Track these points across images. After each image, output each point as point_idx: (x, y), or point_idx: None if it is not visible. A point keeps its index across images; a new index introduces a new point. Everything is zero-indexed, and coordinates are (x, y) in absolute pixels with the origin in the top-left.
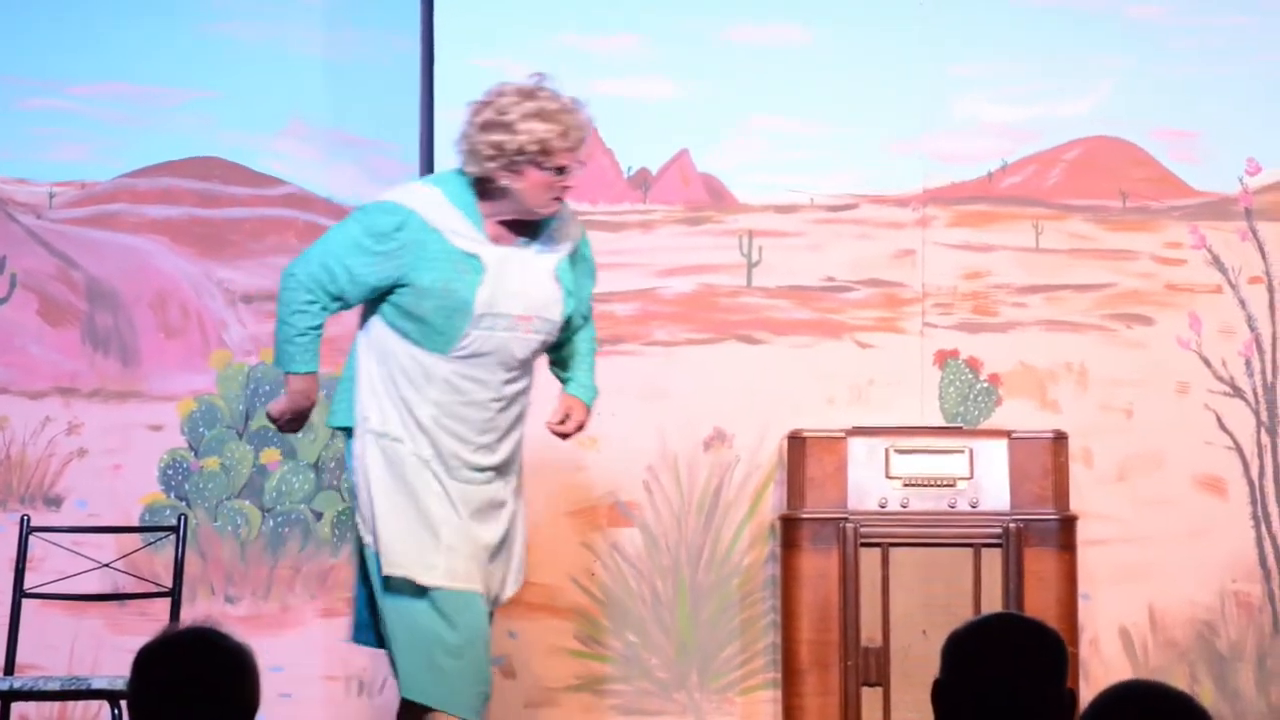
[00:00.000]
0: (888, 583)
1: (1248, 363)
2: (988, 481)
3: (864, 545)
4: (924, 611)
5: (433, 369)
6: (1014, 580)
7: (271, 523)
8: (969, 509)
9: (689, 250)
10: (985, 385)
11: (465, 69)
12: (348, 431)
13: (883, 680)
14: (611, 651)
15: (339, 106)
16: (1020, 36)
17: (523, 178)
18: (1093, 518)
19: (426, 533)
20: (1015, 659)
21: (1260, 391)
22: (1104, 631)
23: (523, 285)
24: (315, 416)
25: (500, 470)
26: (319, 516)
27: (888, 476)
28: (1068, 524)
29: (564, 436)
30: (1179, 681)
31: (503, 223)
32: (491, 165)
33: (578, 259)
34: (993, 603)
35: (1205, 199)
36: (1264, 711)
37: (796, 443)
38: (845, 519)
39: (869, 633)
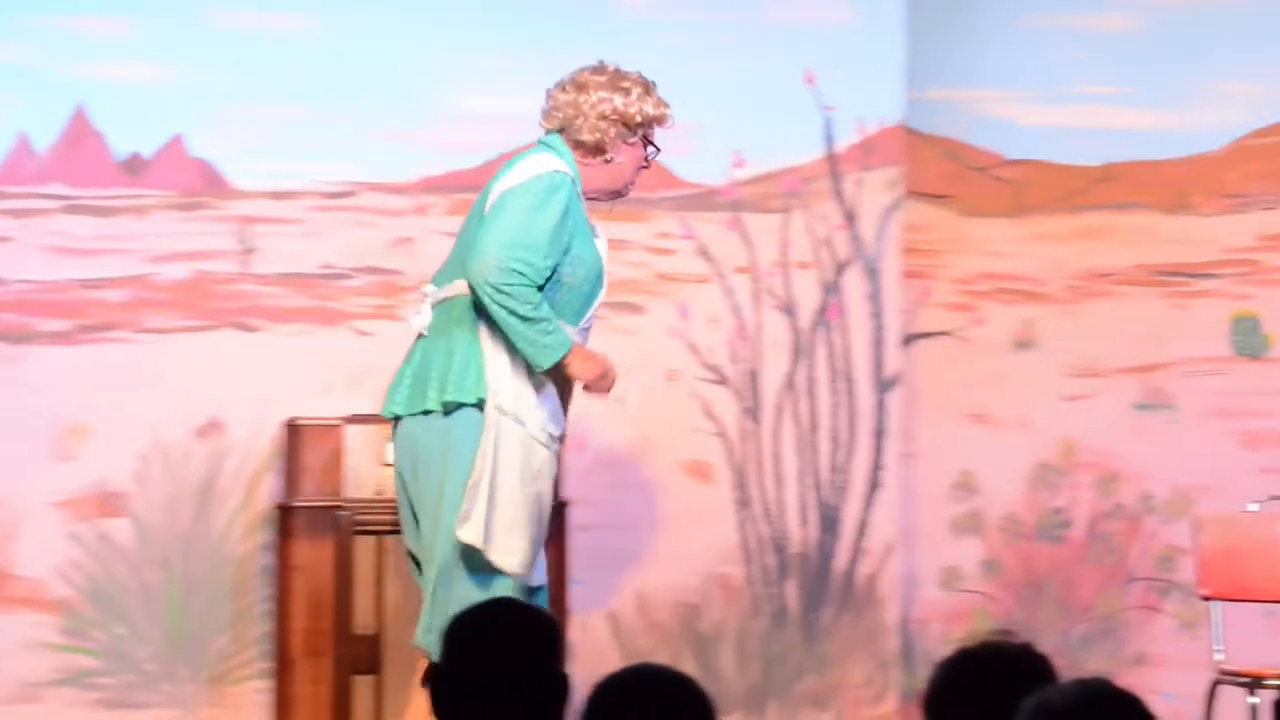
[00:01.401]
0: (382, 571)
1: (733, 350)
2: None
3: (358, 533)
4: (419, 600)
5: None
6: None
7: None
8: None
9: (183, 236)
10: None
11: None
12: (444, 408)
13: (376, 669)
14: (98, 645)
15: None
16: (517, 29)
17: (628, 151)
18: (584, 504)
19: (535, 526)
20: (511, 643)
21: (745, 378)
22: (593, 615)
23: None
24: None
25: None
26: None
27: (383, 464)
28: (559, 510)
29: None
30: (663, 662)
31: None
32: (613, 133)
33: None
34: None
35: (694, 190)
36: (743, 690)
37: (293, 431)
38: (340, 507)
39: (364, 621)
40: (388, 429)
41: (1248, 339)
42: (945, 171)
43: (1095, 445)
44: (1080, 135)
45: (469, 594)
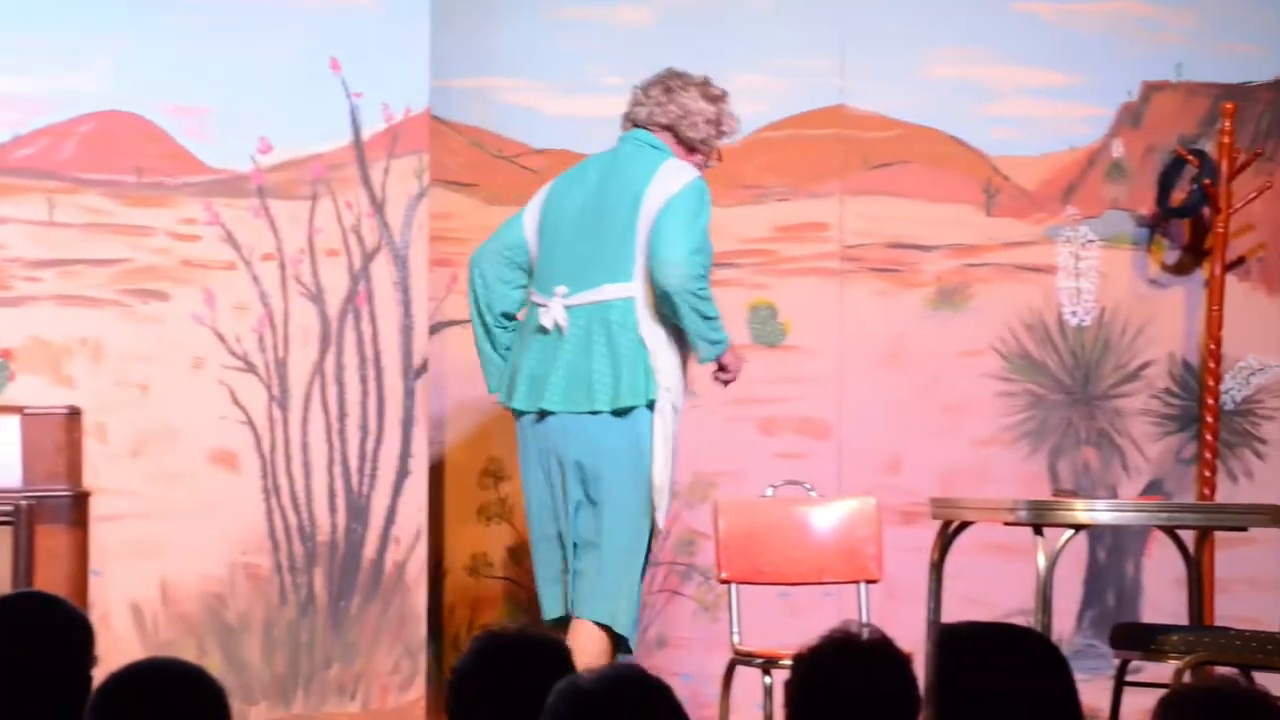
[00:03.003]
0: None
1: (261, 338)
2: None
3: None
4: None
5: None
6: (25, 558)
7: None
8: None
9: None
10: None
11: None
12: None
13: None
14: None
15: None
16: (24, 8)
17: (694, 156)
18: (107, 493)
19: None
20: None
21: (273, 367)
22: (115, 606)
23: None
24: None
25: None
26: None
27: None
28: (80, 500)
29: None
30: (188, 654)
31: None
32: (712, 135)
33: None
34: (3, 582)
35: (219, 176)
36: (269, 679)
37: None
38: None
39: None
40: None
41: (765, 327)
42: (471, 160)
43: None
44: (604, 125)
45: (638, 572)
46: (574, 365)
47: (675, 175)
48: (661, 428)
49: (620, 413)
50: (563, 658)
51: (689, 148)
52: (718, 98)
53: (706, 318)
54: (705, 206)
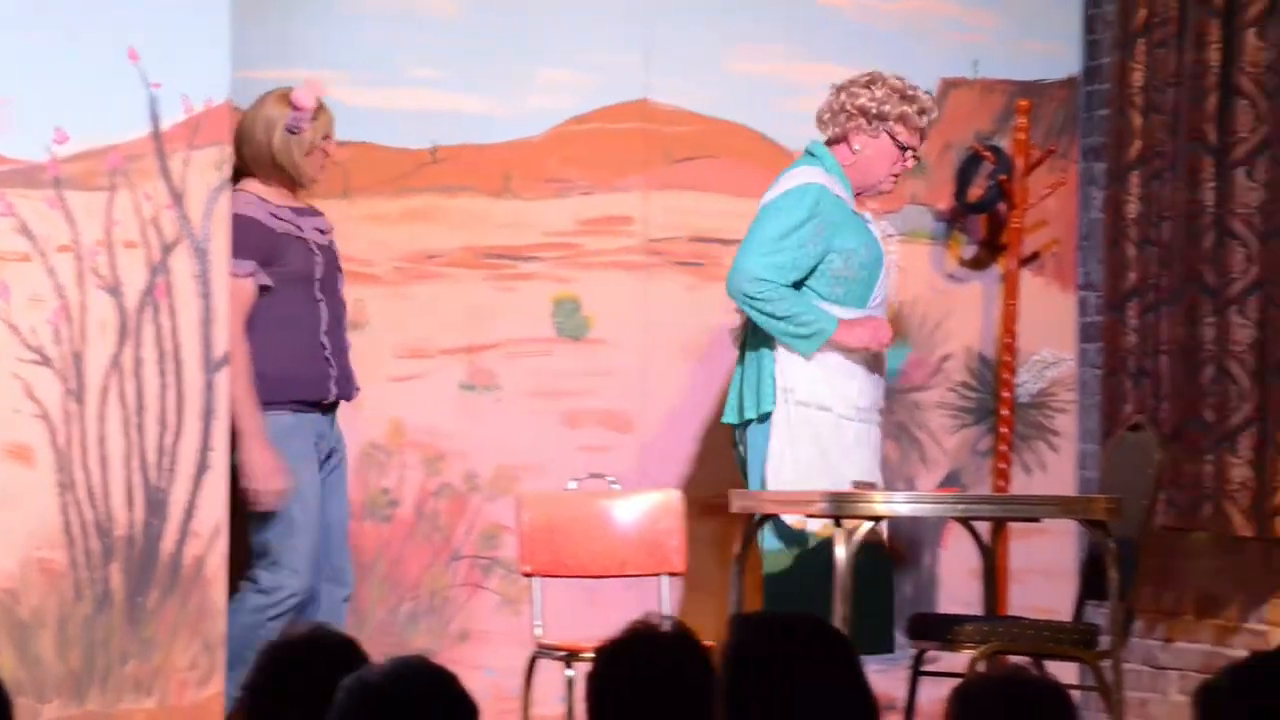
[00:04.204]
0: None
1: (56, 331)
2: None
3: None
4: None
5: None
6: None
7: None
8: None
9: None
10: None
11: None
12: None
13: None
14: None
15: None
16: None
17: (873, 145)
18: None
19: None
20: None
21: (69, 360)
22: None
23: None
24: None
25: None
26: None
27: None
28: None
29: None
30: None
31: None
32: (851, 125)
33: None
34: None
35: (14, 166)
36: (63, 676)
37: None
38: None
39: None
40: None
41: (569, 321)
42: None
43: (423, 425)
44: (408, 118)
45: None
46: (737, 378)
47: (781, 184)
48: (781, 433)
49: (761, 420)
50: (359, 656)
51: (834, 145)
52: (841, 87)
53: (777, 317)
54: (788, 210)
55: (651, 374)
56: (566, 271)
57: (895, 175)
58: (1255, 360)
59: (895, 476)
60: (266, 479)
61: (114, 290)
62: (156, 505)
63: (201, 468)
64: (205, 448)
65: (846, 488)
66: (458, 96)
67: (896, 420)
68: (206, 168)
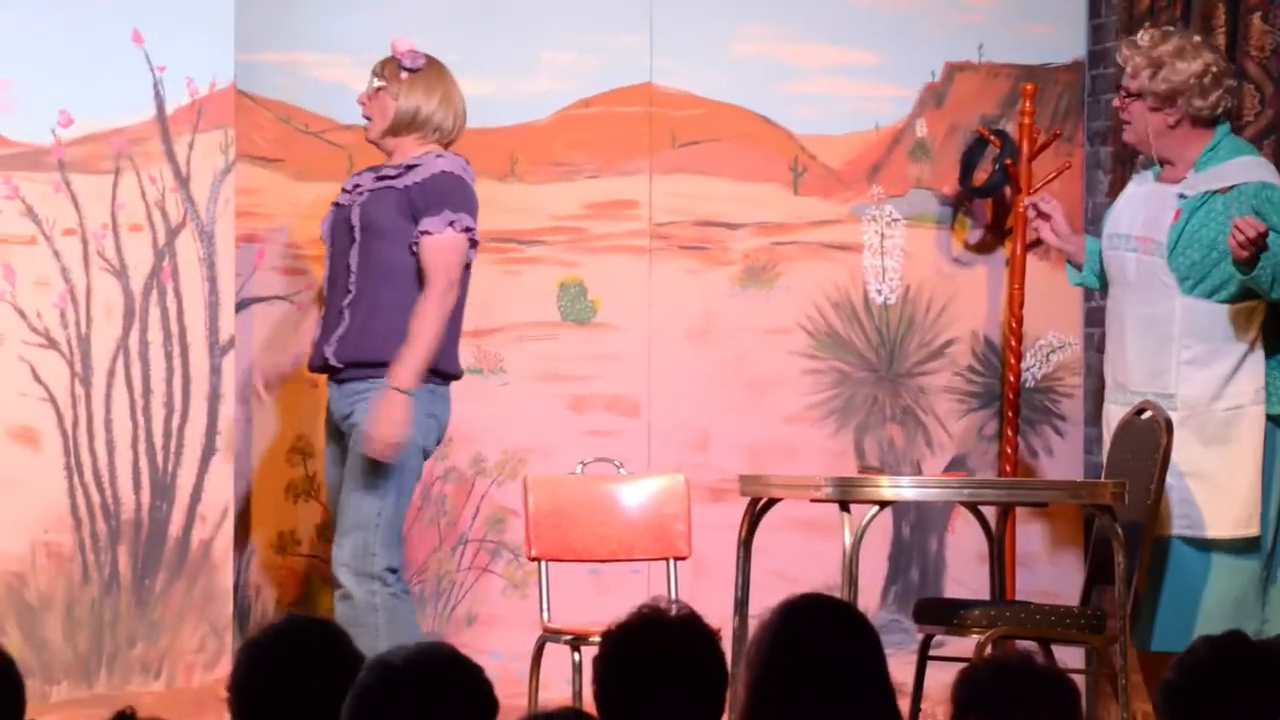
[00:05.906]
0: None
1: (62, 314)
2: None
3: None
4: None
5: None
6: None
7: None
8: None
9: None
10: None
11: None
12: None
13: None
14: None
15: None
16: None
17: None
18: None
19: None
20: None
21: (75, 343)
22: None
23: (1146, 210)
24: None
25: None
26: None
27: None
28: None
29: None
30: None
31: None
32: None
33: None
34: None
35: (19, 149)
36: (71, 659)
37: None
38: None
39: None
40: None
41: (574, 305)
42: (278, 135)
43: None
44: None
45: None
46: None
47: (1246, 171)
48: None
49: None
50: (330, 636)
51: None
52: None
53: None
54: None
55: (657, 358)
56: (572, 255)
57: (1118, 125)
58: None
59: (902, 461)
60: (391, 429)
61: (120, 273)
62: (163, 488)
63: (208, 450)
64: (212, 430)
65: None
66: (462, 80)
67: (902, 404)
68: (212, 150)
